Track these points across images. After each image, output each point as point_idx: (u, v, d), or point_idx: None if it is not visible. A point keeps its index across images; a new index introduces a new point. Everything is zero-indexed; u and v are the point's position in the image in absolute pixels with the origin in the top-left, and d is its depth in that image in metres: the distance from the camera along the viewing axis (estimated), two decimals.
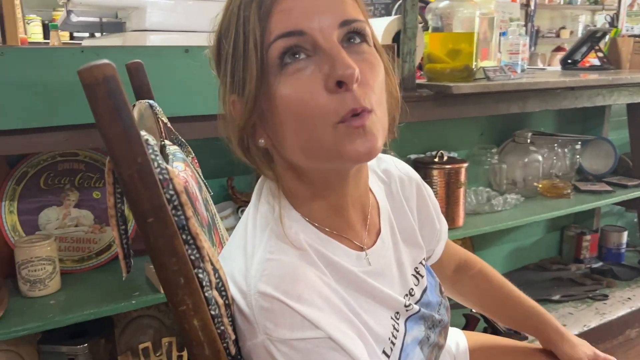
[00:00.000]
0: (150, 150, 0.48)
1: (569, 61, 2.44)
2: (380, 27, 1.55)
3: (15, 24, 1.04)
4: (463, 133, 2.04)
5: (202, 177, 0.91)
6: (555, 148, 2.16)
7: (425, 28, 1.61)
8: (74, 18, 1.39)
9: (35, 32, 3.18)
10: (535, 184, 2.08)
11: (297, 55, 0.54)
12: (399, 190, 0.76)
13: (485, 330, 1.73)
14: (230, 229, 1.52)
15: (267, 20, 0.53)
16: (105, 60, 0.45)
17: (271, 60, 0.54)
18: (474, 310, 1.71)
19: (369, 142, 0.55)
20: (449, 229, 1.71)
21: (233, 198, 1.53)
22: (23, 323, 1.09)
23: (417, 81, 1.61)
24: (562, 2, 5.48)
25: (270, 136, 0.59)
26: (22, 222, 1.31)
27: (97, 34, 1.62)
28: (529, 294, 0.94)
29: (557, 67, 2.71)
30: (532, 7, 4.90)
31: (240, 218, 1.55)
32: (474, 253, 2.17)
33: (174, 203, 0.48)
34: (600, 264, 2.37)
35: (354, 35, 0.56)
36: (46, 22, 3.30)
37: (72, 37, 2.91)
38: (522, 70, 2.02)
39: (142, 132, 0.50)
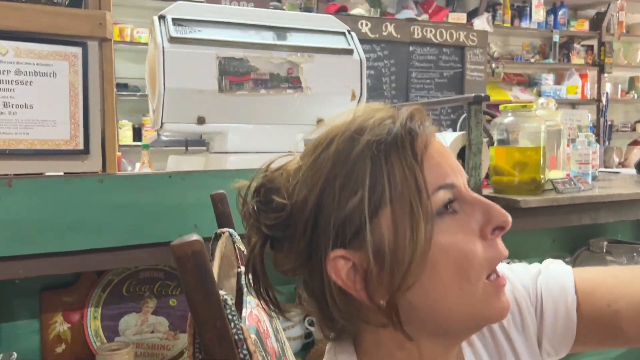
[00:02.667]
0: (228, 311, 0.54)
1: None
2: (445, 143, 1.60)
3: (115, 153, 1.17)
4: (534, 240, 2.01)
5: None
6: (635, 257, 2.07)
7: (490, 143, 1.65)
8: (164, 138, 1.55)
9: (126, 136, 3.50)
10: None
11: (450, 206, 0.55)
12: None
13: None
14: (296, 338, 1.55)
15: (421, 170, 0.53)
16: (195, 237, 0.51)
17: (432, 210, 0.53)
18: None
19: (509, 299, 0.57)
20: None
21: (301, 307, 1.56)
22: None
23: (484, 191, 1.63)
24: (635, 97, 5.38)
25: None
26: (104, 328, 1.39)
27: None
28: None
29: (632, 169, 2.64)
30: (604, 102, 4.85)
31: (306, 327, 1.57)
32: None
33: None
34: None
35: None
36: (136, 126, 3.64)
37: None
38: (594, 178, 1.99)
39: (222, 292, 0.55)
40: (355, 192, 0.53)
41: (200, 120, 1.30)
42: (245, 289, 0.85)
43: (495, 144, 1.66)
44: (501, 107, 1.67)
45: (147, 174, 1.25)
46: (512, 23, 4.83)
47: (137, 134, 3.61)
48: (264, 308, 0.74)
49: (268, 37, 1.37)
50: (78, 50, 1.08)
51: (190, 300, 0.52)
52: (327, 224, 0.53)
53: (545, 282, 0.67)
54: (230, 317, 0.54)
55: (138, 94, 3.57)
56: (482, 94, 1.55)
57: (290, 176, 0.58)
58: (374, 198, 0.52)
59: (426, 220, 0.52)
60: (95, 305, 1.39)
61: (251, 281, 0.61)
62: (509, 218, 0.55)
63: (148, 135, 3.34)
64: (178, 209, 1.19)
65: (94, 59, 1.10)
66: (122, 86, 3.58)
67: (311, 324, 1.55)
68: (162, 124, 1.28)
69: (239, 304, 0.79)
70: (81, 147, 1.10)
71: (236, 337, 0.53)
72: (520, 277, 0.68)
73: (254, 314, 0.74)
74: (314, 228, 0.54)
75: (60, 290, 1.36)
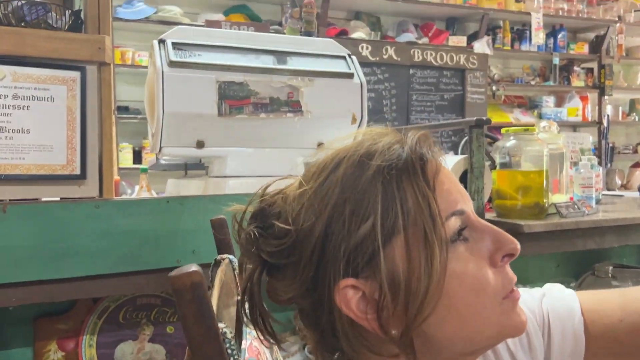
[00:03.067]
0: (227, 345, 0.51)
1: None
2: (447, 167, 1.58)
3: (112, 178, 1.15)
4: (538, 265, 1.98)
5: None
6: None
7: (493, 167, 1.63)
8: (162, 162, 1.54)
9: (126, 159, 3.50)
10: None
11: (462, 233, 0.54)
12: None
13: None
14: None
15: (434, 196, 0.52)
16: (194, 267, 0.49)
17: (447, 237, 0.52)
18: None
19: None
20: None
21: (300, 335, 1.52)
22: None
23: (487, 215, 1.61)
24: (637, 119, 5.39)
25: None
26: (100, 356, 1.36)
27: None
28: None
29: (635, 191, 2.62)
30: (605, 125, 4.86)
31: (307, 355, 1.54)
32: None
33: None
34: None
35: None
36: (137, 148, 3.63)
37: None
38: (597, 202, 1.97)
39: (221, 325, 0.53)
40: (366, 219, 0.51)
41: (200, 144, 1.29)
42: (245, 319, 0.83)
43: (498, 167, 1.64)
44: (503, 130, 1.66)
45: (145, 199, 1.23)
46: (512, 46, 4.86)
47: (138, 156, 3.61)
48: (259, 338, 0.71)
49: (268, 61, 1.36)
50: (76, 75, 1.08)
51: (188, 333, 0.49)
52: (337, 252, 0.51)
53: (551, 304, 0.67)
54: (229, 351, 0.51)
55: (139, 116, 3.58)
56: (484, 118, 1.54)
57: (293, 201, 0.55)
58: (386, 225, 0.50)
59: (441, 247, 0.50)
60: (91, 333, 1.36)
61: (247, 310, 0.59)
62: (518, 245, 0.54)
63: (148, 158, 3.33)
64: (176, 234, 1.17)
65: (92, 84, 1.10)
66: (123, 109, 3.59)
67: (312, 352, 1.51)
68: (161, 147, 1.27)
69: (239, 334, 0.77)
70: (78, 172, 1.08)
71: None
72: (524, 300, 0.67)
73: (254, 345, 0.71)
74: (322, 256, 0.52)
75: (54, 317, 1.33)
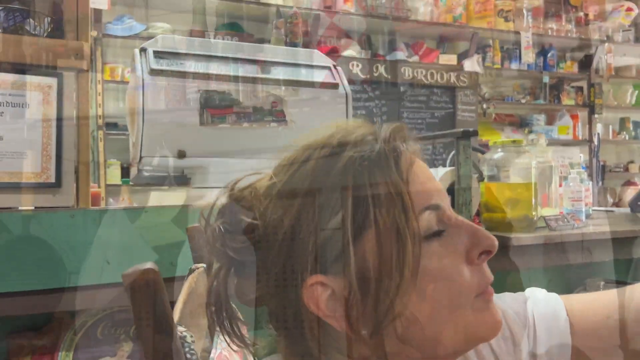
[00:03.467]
0: (187, 349, 0.49)
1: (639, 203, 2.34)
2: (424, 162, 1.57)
3: (88, 187, 1.13)
4: (529, 280, 1.95)
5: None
6: None
7: (481, 179, 1.62)
8: (145, 173, 1.51)
9: (114, 175, 3.46)
10: None
11: (437, 228, 0.51)
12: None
13: None
14: None
15: (407, 189, 0.50)
16: (149, 265, 0.47)
17: (420, 231, 0.50)
18: None
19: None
20: None
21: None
22: None
23: None
24: (627, 137, 5.42)
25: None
26: None
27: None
28: None
29: (626, 208, 2.61)
30: (596, 143, 4.87)
31: None
32: None
33: None
34: None
35: None
36: (125, 165, 3.60)
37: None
38: (587, 216, 1.95)
39: (180, 329, 0.50)
40: (336, 212, 0.49)
41: (181, 154, 1.27)
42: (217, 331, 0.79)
43: (486, 180, 1.63)
44: (490, 142, 1.65)
45: (122, 208, 1.20)
46: (502, 64, 4.89)
47: (126, 173, 3.57)
48: (225, 341, 0.67)
49: (252, 71, 1.35)
50: (53, 81, 1.05)
51: (142, 336, 0.46)
52: (305, 247, 0.49)
53: (536, 306, 0.66)
54: (188, 355, 0.48)
55: (127, 133, 3.55)
56: (471, 129, 1.53)
57: (262, 195, 0.53)
58: (357, 219, 0.48)
59: (413, 242, 0.48)
60: (67, 350, 1.31)
61: (214, 314, 0.55)
62: (496, 242, 0.52)
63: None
64: (154, 245, 1.14)
65: (69, 91, 1.08)
66: (112, 125, 3.56)
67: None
68: (141, 157, 1.25)
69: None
70: (52, 180, 1.05)
71: None
72: (509, 304, 0.66)
73: (223, 355, 0.68)
74: (290, 251, 0.50)
75: (29, 333, 1.29)
